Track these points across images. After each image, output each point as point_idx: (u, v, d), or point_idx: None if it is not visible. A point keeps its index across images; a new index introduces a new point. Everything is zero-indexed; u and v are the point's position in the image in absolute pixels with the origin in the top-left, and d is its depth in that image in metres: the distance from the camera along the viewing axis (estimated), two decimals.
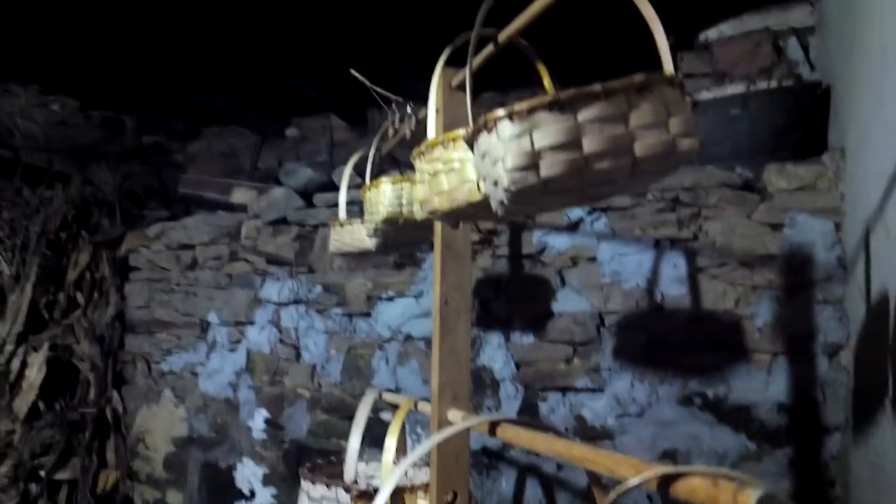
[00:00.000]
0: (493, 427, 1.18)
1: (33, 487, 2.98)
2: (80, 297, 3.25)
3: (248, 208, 3.09)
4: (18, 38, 2.72)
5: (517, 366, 2.34)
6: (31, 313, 3.09)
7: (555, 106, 0.81)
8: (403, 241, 1.79)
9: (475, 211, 1.13)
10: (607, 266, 2.24)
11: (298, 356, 2.75)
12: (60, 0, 2.41)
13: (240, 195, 3.28)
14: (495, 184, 0.86)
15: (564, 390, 2.27)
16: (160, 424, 3.08)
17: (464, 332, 1.46)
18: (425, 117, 1.37)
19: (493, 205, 0.92)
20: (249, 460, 2.79)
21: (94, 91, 3.44)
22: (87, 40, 2.74)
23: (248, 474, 2.78)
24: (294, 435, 2.71)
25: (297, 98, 3.38)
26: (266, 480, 2.74)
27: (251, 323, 2.88)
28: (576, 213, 2.28)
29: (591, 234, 2.30)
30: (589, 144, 0.80)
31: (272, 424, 2.77)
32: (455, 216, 1.17)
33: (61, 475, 3.04)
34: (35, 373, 3.00)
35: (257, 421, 2.79)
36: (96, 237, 3.34)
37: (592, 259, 2.27)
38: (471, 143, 0.94)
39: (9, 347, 3.00)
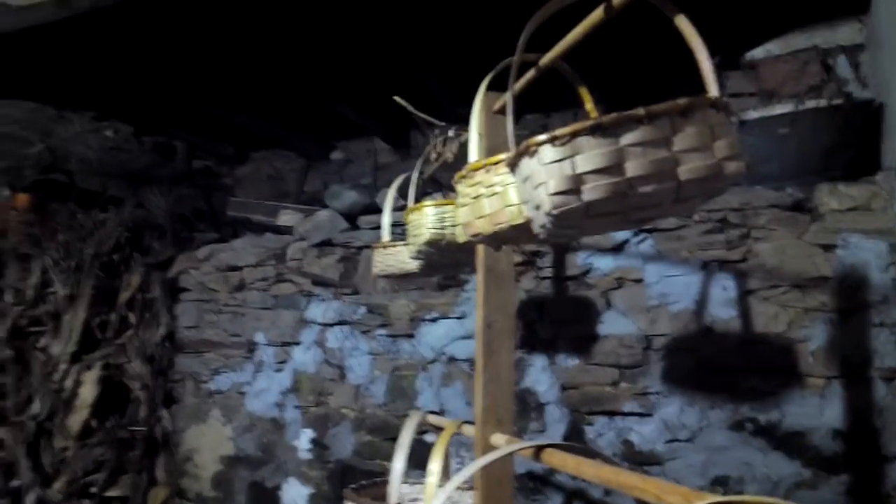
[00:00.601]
0: (538, 452, 1.17)
1: None
2: (131, 318, 3.34)
3: (293, 230, 3.14)
4: (74, 66, 2.83)
5: (562, 389, 2.32)
6: (84, 333, 3.17)
7: (597, 130, 0.80)
8: (446, 263, 1.80)
9: (517, 234, 1.13)
10: (654, 288, 2.21)
11: (343, 376, 2.77)
12: (114, 29, 2.51)
13: (286, 218, 3.33)
14: (537, 208, 0.87)
15: (611, 414, 2.23)
16: (208, 443, 3.13)
17: (507, 354, 1.45)
18: (467, 141, 1.38)
19: (536, 228, 0.92)
20: (295, 480, 2.81)
21: (146, 117, 3.55)
22: (139, 67, 2.84)
23: (294, 494, 2.79)
24: (339, 455, 2.72)
25: (342, 122, 3.44)
26: (311, 500, 2.76)
27: (297, 343, 2.92)
28: (621, 234, 2.26)
29: (637, 256, 2.27)
30: (632, 168, 0.79)
31: (317, 444, 2.79)
32: (497, 239, 1.17)
33: (113, 492, 3.11)
34: (88, 391, 3.08)
35: (303, 441, 2.82)
36: (148, 259, 3.43)
37: (638, 280, 2.24)
38: (513, 167, 0.94)
39: (63, 366, 3.08)
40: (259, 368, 3.02)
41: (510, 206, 1.09)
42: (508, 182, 1.08)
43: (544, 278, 2.43)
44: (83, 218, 3.35)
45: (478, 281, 1.49)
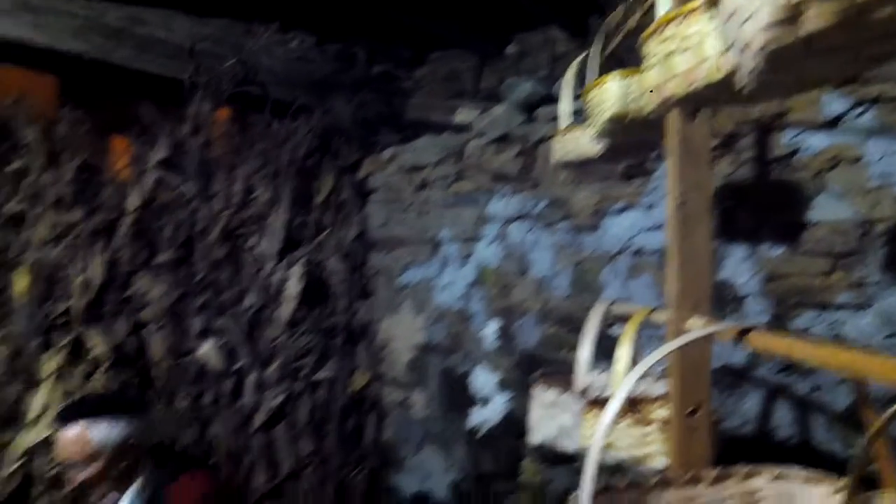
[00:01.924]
0: (742, 334, 1.08)
1: (297, 385, 3.37)
2: (327, 219, 3.54)
3: (471, 127, 3.12)
4: None
5: (764, 280, 2.14)
6: (286, 233, 3.42)
7: None
8: (631, 144, 1.68)
9: (715, 93, 1.01)
10: (876, 167, 1.94)
11: (526, 270, 2.77)
12: None
13: (463, 115, 3.31)
14: (744, 49, 0.75)
15: (821, 307, 2.04)
16: (402, 333, 3.31)
17: (704, 235, 1.34)
18: (653, 4, 1.24)
19: (741, 79, 0.80)
20: (483, 368, 2.90)
21: (326, 26, 3.63)
22: None
23: (483, 381, 2.89)
24: (524, 345, 2.76)
25: (517, 14, 3.30)
26: (500, 387, 2.84)
27: (479, 239, 2.94)
28: (835, 107, 1.99)
29: (856, 131, 1.99)
30: None
31: (503, 335, 2.84)
32: (692, 102, 1.05)
33: (320, 375, 3.40)
34: (293, 286, 3.35)
35: (489, 331, 2.88)
36: (337, 163, 3.60)
37: (857, 160, 1.97)
38: (714, 3, 0.82)
39: (270, 263, 3.36)
40: (445, 263, 3.10)
41: (706, 60, 0.97)
42: (706, 31, 0.95)
43: (744, 162, 2.22)
44: (277, 127, 3.56)
45: (669, 156, 1.37)
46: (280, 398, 3.28)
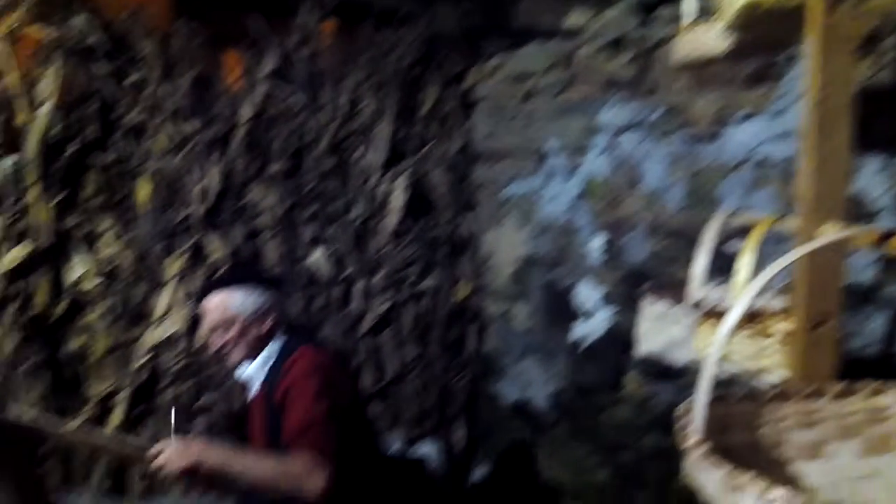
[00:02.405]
0: (883, 239, 0.99)
1: (401, 294, 3.45)
2: (431, 131, 3.52)
3: (582, 32, 2.97)
4: None
5: None
6: (392, 145, 3.43)
7: None
8: (762, 39, 1.55)
9: None
10: None
11: (637, 183, 2.67)
12: None
13: (574, 19, 3.15)
14: None
15: None
16: (505, 245, 3.30)
17: (844, 135, 1.23)
18: None
19: None
20: (588, 282, 2.86)
21: None
22: None
23: (587, 295, 2.86)
24: (632, 259, 2.69)
25: None
26: (604, 301, 2.80)
27: (588, 150, 2.85)
28: None
29: None
30: None
31: (610, 249, 2.78)
32: None
33: (423, 285, 3.47)
34: (398, 197, 3.39)
35: (595, 245, 2.82)
36: (442, 74, 3.54)
37: None
38: None
39: (376, 175, 3.40)
40: (550, 175, 3.04)
41: None
42: None
43: (885, 66, 2.01)
44: (382, 38, 3.52)
45: (809, 49, 1.25)
46: (386, 306, 3.38)
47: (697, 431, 1.04)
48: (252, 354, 2.00)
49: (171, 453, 1.70)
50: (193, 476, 1.74)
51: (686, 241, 2.49)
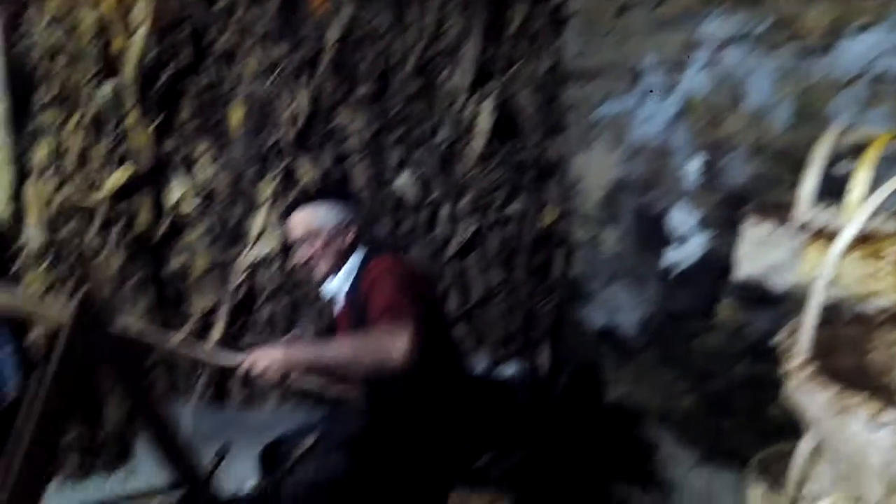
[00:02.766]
0: None
1: (487, 218, 3.43)
2: (519, 50, 3.41)
3: None
4: None
5: None
6: (478, 66, 3.35)
7: None
8: None
9: None
10: None
11: (739, 100, 2.51)
12: None
13: None
14: None
15: None
16: (595, 169, 3.21)
17: None
18: None
19: None
20: (682, 206, 2.75)
21: None
22: None
23: (681, 220, 2.76)
24: (731, 182, 2.56)
25: None
26: (701, 225, 2.70)
27: (687, 65, 2.69)
28: None
29: None
30: None
31: (708, 171, 2.65)
32: None
33: (509, 210, 3.44)
34: (484, 120, 3.32)
35: (691, 167, 2.70)
36: None
37: None
38: None
39: (462, 98, 3.34)
40: (645, 94, 2.90)
41: None
42: None
43: None
44: None
45: None
46: (471, 230, 3.38)
47: (803, 352, 1.00)
48: (336, 267, 2.08)
49: (263, 359, 1.78)
50: (286, 380, 1.81)
51: (791, 162, 2.35)
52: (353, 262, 2.08)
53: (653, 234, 2.92)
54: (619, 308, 3.17)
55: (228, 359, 1.90)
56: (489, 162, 3.38)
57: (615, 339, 3.21)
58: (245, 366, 1.79)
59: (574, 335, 3.50)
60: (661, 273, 2.90)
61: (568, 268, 3.51)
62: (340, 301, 2.11)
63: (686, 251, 2.76)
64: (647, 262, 2.98)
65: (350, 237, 2.08)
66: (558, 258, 3.51)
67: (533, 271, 3.50)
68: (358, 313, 1.97)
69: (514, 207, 3.43)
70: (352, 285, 2.05)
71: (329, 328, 2.38)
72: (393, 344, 1.75)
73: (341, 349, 1.83)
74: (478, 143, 3.35)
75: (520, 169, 3.42)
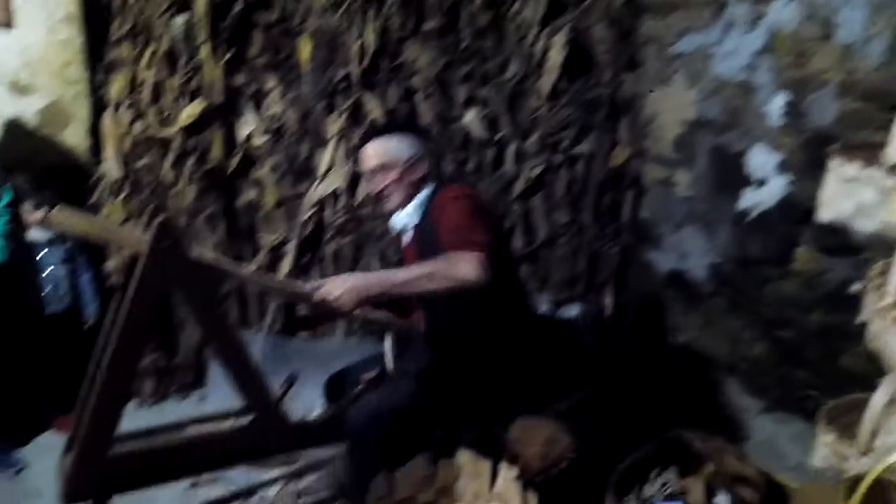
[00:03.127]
0: None
1: (556, 157, 3.36)
2: None
3: None
4: None
5: None
6: None
7: None
8: None
9: None
10: None
11: (829, 34, 2.35)
12: None
13: None
14: None
15: None
16: (670, 107, 3.08)
17: None
18: None
19: None
20: (763, 147, 2.63)
21: None
22: None
23: (761, 160, 2.64)
24: (817, 122, 2.42)
25: None
26: (781, 168, 2.57)
27: None
28: None
29: None
30: None
31: (792, 110, 2.51)
32: None
33: (579, 149, 3.35)
34: (556, 55, 3.21)
35: (775, 106, 2.56)
36: None
37: None
38: None
39: (533, 31, 3.23)
40: (728, 28, 2.74)
41: None
42: None
43: None
44: None
45: None
46: (539, 169, 3.32)
47: (891, 294, 0.94)
48: (408, 199, 2.09)
49: (337, 286, 1.81)
50: (357, 309, 1.84)
51: (882, 101, 2.21)
52: (423, 194, 2.10)
53: (729, 176, 2.81)
54: (690, 252, 3.09)
55: (301, 288, 1.93)
56: (559, 99, 3.29)
57: (684, 283, 3.14)
58: (320, 293, 1.82)
59: (640, 278, 3.44)
60: (735, 216, 2.80)
61: (637, 210, 3.43)
62: (409, 233, 2.13)
63: (764, 194, 2.64)
64: (721, 205, 2.88)
65: (421, 170, 2.09)
66: (627, 200, 3.42)
67: (600, 213, 3.43)
68: (427, 244, 1.98)
69: (584, 147, 3.34)
70: (421, 217, 2.07)
71: (397, 262, 2.41)
72: (465, 265, 1.76)
73: (414, 273, 1.84)
74: (548, 79, 3.25)
75: (591, 107, 3.32)
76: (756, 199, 2.68)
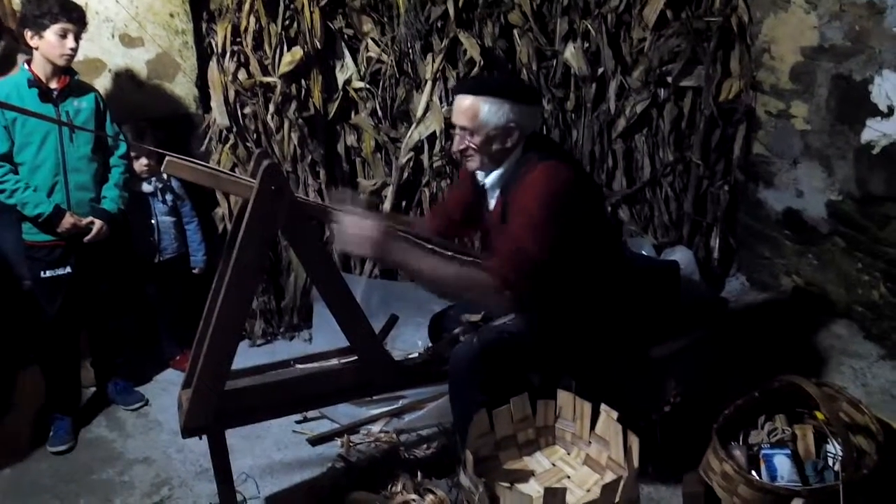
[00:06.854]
0: None
1: (661, 92, 3.20)
2: None
3: None
4: None
5: None
6: None
7: None
8: None
9: None
10: None
11: None
12: None
13: None
14: None
15: None
16: (788, 33, 2.86)
17: None
18: None
19: None
20: (892, 73, 2.41)
21: None
22: None
23: (889, 87, 2.42)
24: None
25: None
26: None
27: None
28: None
29: None
30: None
31: None
32: None
33: (686, 82, 3.18)
34: None
35: None
36: None
37: None
38: None
39: None
40: None
41: None
42: None
43: None
44: None
45: None
46: (642, 105, 3.18)
47: None
48: (491, 166, 1.98)
49: (350, 224, 1.80)
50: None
51: None
52: (510, 164, 1.97)
53: (852, 107, 2.60)
54: (806, 190, 2.91)
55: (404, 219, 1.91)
56: (664, 30, 3.11)
57: (799, 223, 2.97)
58: (334, 233, 1.82)
59: (752, 219, 3.28)
60: (858, 150, 2.60)
61: (749, 146, 3.24)
62: (493, 199, 2.05)
63: (891, 125, 2.44)
64: (842, 139, 2.68)
65: (512, 140, 1.93)
66: (739, 135, 3.24)
67: (708, 150, 3.26)
68: (507, 218, 1.91)
69: (691, 80, 3.17)
70: (505, 186, 1.96)
71: (480, 220, 2.29)
72: (487, 297, 1.79)
73: (436, 269, 1.82)
74: (653, 7, 3.08)
75: (699, 37, 3.12)
76: (881, 131, 2.48)
